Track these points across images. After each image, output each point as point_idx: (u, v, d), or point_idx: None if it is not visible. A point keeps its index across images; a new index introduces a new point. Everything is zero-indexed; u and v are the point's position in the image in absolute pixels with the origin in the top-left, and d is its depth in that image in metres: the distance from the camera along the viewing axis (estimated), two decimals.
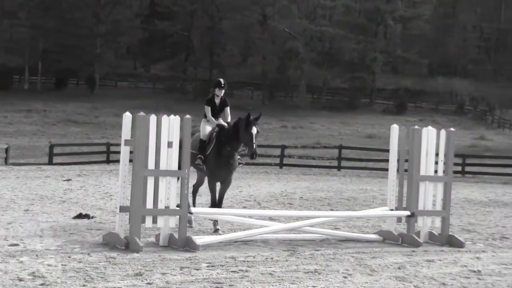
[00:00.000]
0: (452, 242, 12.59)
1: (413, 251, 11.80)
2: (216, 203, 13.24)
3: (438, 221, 12.86)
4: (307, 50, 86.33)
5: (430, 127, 13.01)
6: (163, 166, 11.15)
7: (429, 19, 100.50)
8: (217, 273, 9.37)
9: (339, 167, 36.79)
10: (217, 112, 13.53)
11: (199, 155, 13.09)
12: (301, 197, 20.97)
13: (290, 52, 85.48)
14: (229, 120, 13.47)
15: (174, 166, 11.25)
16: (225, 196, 20.28)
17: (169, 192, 11.19)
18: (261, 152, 43.54)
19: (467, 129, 72.56)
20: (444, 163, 13.07)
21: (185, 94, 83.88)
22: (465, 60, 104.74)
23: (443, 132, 13.05)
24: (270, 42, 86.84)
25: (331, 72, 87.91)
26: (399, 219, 12.95)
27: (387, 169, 13.03)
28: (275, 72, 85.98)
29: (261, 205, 18.54)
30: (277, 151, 40.41)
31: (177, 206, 11.23)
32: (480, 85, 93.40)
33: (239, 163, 13.34)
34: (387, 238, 12.79)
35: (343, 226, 14.44)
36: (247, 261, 10.28)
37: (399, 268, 10.23)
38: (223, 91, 13.43)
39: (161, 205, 11.12)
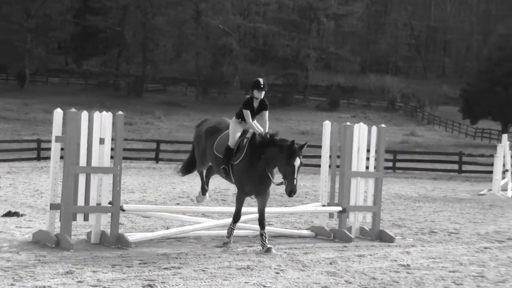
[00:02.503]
0: (383, 237, 12.79)
1: (345, 246, 11.95)
2: (239, 217, 11.61)
3: (369, 217, 13.03)
4: (241, 46, 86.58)
5: (361, 124, 13.17)
6: (95, 163, 11.03)
7: (361, 17, 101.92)
8: (149, 270, 9.32)
9: None
10: (254, 116, 11.72)
11: (224, 166, 11.50)
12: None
13: (223, 48, 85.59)
14: (267, 126, 11.64)
15: (106, 163, 11.14)
16: (159, 193, 20.30)
17: (101, 189, 11.08)
18: None
19: (398, 125, 73.77)
20: (375, 159, 13.25)
21: (118, 90, 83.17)
22: (396, 57, 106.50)
23: (374, 129, 13.23)
24: (204, 38, 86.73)
25: (264, 69, 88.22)
26: (331, 215, 13.06)
27: (319, 165, 13.14)
28: (209, 68, 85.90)
29: (194, 201, 18.47)
30: None
31: (109, 203, 11.13)
32: (411, 82, 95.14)
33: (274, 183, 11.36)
34: (319, 234, 12.92)
35: (276, 222, 14.53)
36: (180, 258, 10.26)
37: (330, 263, 10.34)
38: (263, 92, 11.51)
39: (92, 202, 11.01)
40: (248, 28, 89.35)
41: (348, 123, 13.09)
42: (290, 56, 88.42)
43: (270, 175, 11.25)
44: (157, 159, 38.23)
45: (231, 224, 11.65)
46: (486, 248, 12.46)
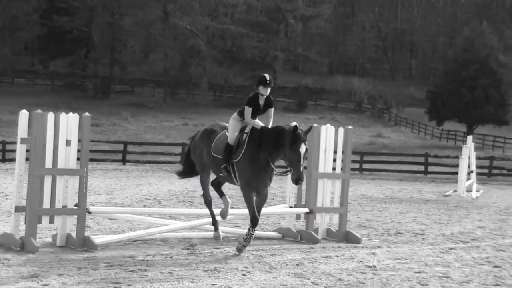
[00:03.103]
0: (349, 238, 12.84)
1: (312, 247, 11.97)
2: (257, 220, 10.92)
3: (336, 218, 13.07)
4: (209, 47, 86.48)
5: (328, 125, 13.20)
6: (61, 164, 10.94)
7: (329, 19, 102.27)
8: (116, 273, 9.26)
9: None
10: (259, 114, 11.19)
11: (225, 165, 10.93)
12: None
13: (191, 50, 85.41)
14: (270, 124, 11.15)
15: (73, 165, 11.06)
16: (125, 195, 20.20)
17: (67, 191, 11.00)
18: (163, 150, 43.51)
19: (365, 126, 74.19)
20: (342, 161, 13.29)
21: (85, 91, 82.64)
22: (364, 59, 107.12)
23: (341, 130, 13.27)
24: (172, 39, 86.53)
25: (232, 70, 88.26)
26: (298, 216, 13.08)
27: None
28: (176, 69, 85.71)
29: (161, 203, 18.45)
30: (178, 149, 40.26)
31: (75, 205, 11.05)
32: (378, 83, 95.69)
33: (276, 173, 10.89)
34: (286, 235, 12.94)
35: (243, 224, 14.50)
36: (146, 260, 10.22)
37: (297, 265, 10.36)
38: (269, 89, 10.93)
39: (58, 205, 10.91)
40: (216, 30, 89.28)
41: (315, 125, 13.11)
42: (258, 58, 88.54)
43: (273, 166, 10.71)
44: (124, 161, 38.08)
45: (249, 229, 10.88)
46: (451, 248, 12.57)
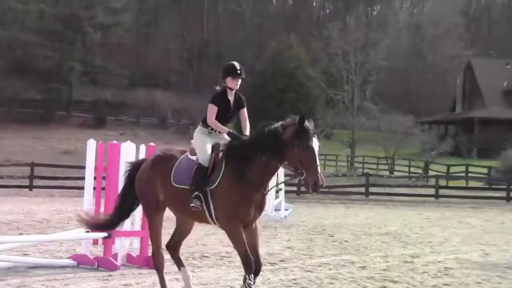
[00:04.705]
0: (151, 264, 12.77)
1: (110, 275, 11.82)
2: (251, 261, 8.71)
3: (136, 242, 13.00)
4: None
5: (129, 142, 13.11)
6: None
7: (130, 28, 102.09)
8: None
9: (31, 187, 36.10)
10: (230, 116, 9.30)
11: (196, 193, 8.92)
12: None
13: None
14: (247, 130, 9.21)
15: None
16: None
17: None
18: None
19: (169, 143, 74.36)
20: None
21: None
22: (167, 71, 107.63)
23: (143, 148, 13.23)
24: None
25: (23, 82, 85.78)
26: (95, 241, 12.89)
27: (83, 188, 12.90)
28: None
29: None
30: None
31: None
32: (183, 97, 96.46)
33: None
34: (82, 263, 12.69)
35: (34, 252, 14.09)
36: None
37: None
38: (240, 81, 9.20)
39: None
40: (3, 38, 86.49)
41: (114, 142, 13.00)
42: (52, 69, 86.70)
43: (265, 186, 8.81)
44: None
45: (245, 279, 8.76)
46: None
